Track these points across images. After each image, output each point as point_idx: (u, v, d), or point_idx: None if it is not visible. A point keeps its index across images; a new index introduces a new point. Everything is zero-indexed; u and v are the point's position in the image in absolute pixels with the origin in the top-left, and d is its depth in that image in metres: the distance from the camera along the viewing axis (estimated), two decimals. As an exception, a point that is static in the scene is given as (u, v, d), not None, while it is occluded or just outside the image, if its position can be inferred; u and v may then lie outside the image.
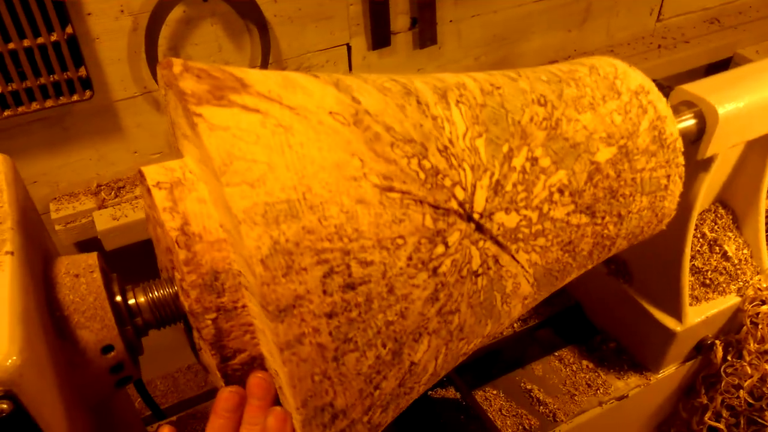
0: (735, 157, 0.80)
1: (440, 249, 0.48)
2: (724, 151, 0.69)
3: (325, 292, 0.43)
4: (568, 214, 0.56)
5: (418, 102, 0.47)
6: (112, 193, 0.94)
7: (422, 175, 0.45)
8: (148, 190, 0.48)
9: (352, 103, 0.44)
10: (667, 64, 1.20)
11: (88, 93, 0.81)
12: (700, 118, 0.67)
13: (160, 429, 0.54)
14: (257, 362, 0.56)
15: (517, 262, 0.52)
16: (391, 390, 0.53)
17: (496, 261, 0.52)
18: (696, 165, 0.72)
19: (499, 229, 0.52)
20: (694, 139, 0.70)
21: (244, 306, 0.51)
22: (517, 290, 0.54)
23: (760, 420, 0.87)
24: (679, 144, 0.58)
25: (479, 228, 0.48)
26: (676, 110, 0.66)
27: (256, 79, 0.44)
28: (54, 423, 0.42)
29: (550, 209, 0.55)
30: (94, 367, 0.48)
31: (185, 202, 0.49)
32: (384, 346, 0.49)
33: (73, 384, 0.48)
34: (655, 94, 0.57)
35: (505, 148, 0.50)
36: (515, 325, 0.92)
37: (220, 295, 0.51)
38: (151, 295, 0.54)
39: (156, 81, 0.91)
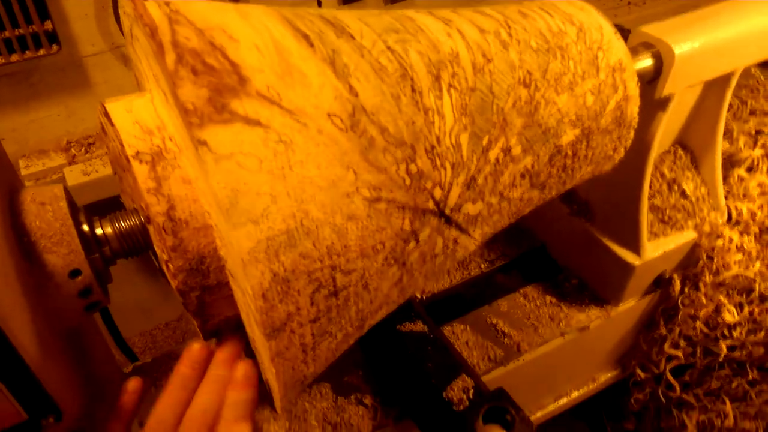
0: (693, 99, 0.83)
1: (412, 245, 0.53)
2: (680, 90, 0.72)
3: (312, 303, 0.47)
4: (523, 193, 0.59)
5: (413, 90, 0.49)
6: (83, 149, 0.95)
7: (408, 181, 0.49)
8: (112, 124, 0.49)
9: (350, 96, 0.46)
10: (637, 20, 1.21)
11: (54, 47, 0.81)
12: (657, 58, 0.70)
13: (129, 381, 0.55)
14: (234, 320, 0.58)
15: (473, 238, 0.55)
16: (349, 346, 0.59)
17: (455, 242, 0.55)
18: (653, 104, 0.75)
19: (464, 218, 0.55)
20: (650, 79, 0.72)
21: (227, 283, 0.53)
22: (465, 254, 0.58)
23: (714, 349, 0.92)
24: (635, 123, 0.60)
25: (448, 220, 0.51)
26: (635, 51, 0.68)
27: (252, 64, 0.43)
28: (24, 339, 0.44)
29: (510, 192, 0.57)
30: (63, 291, 0.51)
31: (169, 183, 0.51)
32: (352, 326, 0.56)
33: (43, 307, 0.50)
34: (630, 72, 0.59)
35: (485, 141, 0.54)
36: (482, 266, 0.95)
37: (206, 276, 0.53)
38: (118, 225, 0.56)
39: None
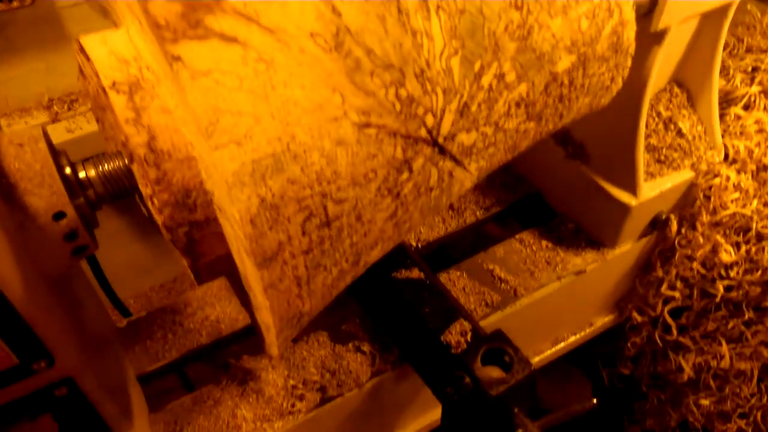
0: (689, 35, 0.81)
1: (405, 175, 0.52)
2: (676, 23, 0.69)
3: (304, 233, 0.46)
4: (519, 124, 0.57)
5: (399, 10, 0.48)
6: (65, 106, 0.93)
7: (398, 106, 0.49)
8: (88, 58, 0.46)
9: (333, 16, 0.45)
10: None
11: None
12: (653, -11, 0.67)
13: None
14: (226, 261, 0.57)
15: (468, 171, 0.53)
16: (346, 284, 0.59)
17: (451, 175, 0.54)
18: (649, 38, 0.73)
19: (458, 148, 0.53)
20: (646, 12, 0.70)
21: (215, 219, 0.52)
22: (461, 190, 0.57)
23: (710, 290, 0.91)
24: (632, 50, 0.58)
25: (441, 150, 0.49)
26: (629, -17, 0.66)
27: None
28: (10, 281, 0.43)
29: (505, 122, 0.55)
30: (48, 234, 0.50)
31: (149, 113, 0.49)
32: (347, 261, 0.56)
33: (29, 251, 0.49)
34: (625, -7, 0.56)
35: (477, 66, 0.53)
36: (478, 213, 0.94)
37: (192, 211, 0.52)
38: (101, 168, 0.54)
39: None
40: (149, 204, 0.51)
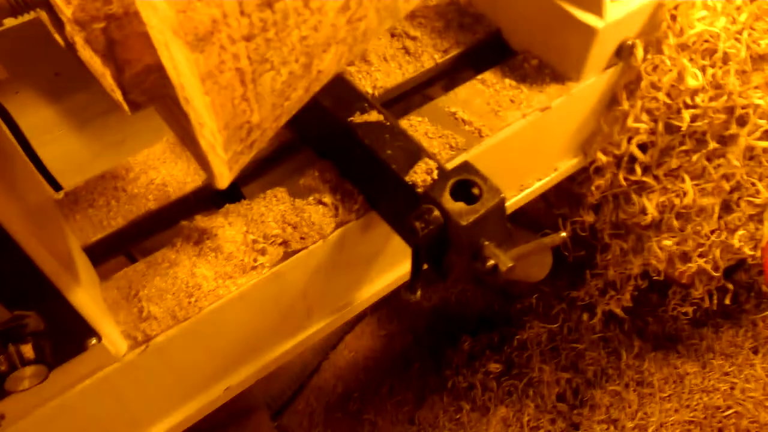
0: None
1: None
2: None
3: (242, 13, 0.41)
4: None
5: None
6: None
7: None
8: None
9: None
10: None
11: None
12: None
13: None
14: (154, 71, 0.49)
15: None
16: (299, 97, 0.53)
17: None
18: None
19: None
20: None
21: (136, 13, 0.43)
22: None
23: (676, 122, 0.89)
24: None
25: None
26: None
27: None
28: None
29: None
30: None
31: None
32: (297, 61, 0.47)
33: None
34: None
35: None
36: (435, 56, 0.88)
37: (107, 1, 0.43)
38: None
39: None
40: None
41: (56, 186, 0.85)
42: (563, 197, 1.39)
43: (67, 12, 0.42)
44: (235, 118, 0.45)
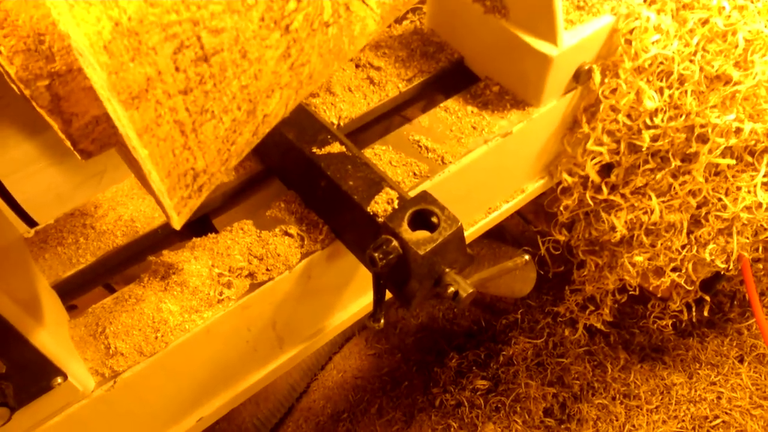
0: None
1: (292, 5, 0.47)
2: None
3: (177, 69, 0.42)
4: None
5: None
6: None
7: None
8: None
9: None
10: None
11: None
12: None
13: None
14: (102, 121, 0.51)
15: (367, 5, 0.48)
16: (246, 141, 0.56)
17: (347, 8, 0.48)
18: None
19: None
20: None
21: (80, 69, 0.45)
22: (364, 30, 0.53)
23: (637, 142, 0.91)
24: None
25: None
26: None
27: None
28: None
29: None
30: None
31: None
32: (239, 108, 0.49)
33: None
34: None
35: None
36: (399, 86, 0.90)
37: (50, 60, 0.45)
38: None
39: None
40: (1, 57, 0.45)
41: (31, 222, 0.86)
42: (540, 215, 1.41)
43: (10, 71, 0.44)
44: (177, 167, 0.47)
